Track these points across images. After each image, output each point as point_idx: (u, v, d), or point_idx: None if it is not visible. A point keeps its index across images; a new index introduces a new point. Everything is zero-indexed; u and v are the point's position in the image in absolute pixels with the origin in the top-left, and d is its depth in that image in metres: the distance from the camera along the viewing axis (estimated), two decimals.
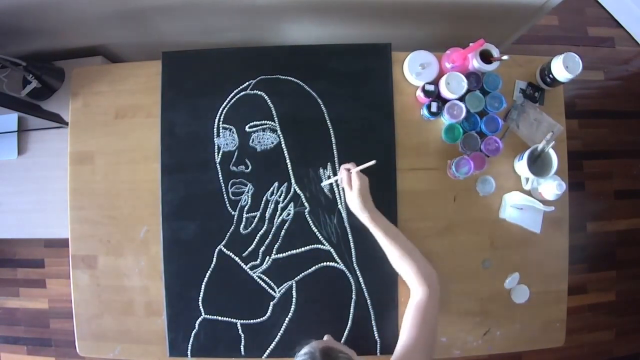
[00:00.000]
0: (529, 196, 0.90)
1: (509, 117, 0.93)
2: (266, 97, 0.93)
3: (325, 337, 0.84)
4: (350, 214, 0.89)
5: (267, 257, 0.90)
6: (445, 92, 0.89)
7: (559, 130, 0.92)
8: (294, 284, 0.90)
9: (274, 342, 0.90)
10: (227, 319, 0.90)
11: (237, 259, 0.90)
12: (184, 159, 0.93)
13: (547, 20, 1.80)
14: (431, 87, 0.89)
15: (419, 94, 0.92)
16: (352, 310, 0.90)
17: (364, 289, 0.90)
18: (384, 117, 0.93)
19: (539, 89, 0.94)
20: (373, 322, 0.90)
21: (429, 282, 0.79)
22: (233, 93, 0.94)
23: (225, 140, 0.93)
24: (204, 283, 0.91)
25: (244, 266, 0.90)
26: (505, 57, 0.85)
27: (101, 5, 1.00)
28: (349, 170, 0.83)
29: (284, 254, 0.90)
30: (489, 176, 0.92)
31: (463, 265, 0.92)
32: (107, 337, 0.93)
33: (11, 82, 1.17)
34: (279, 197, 0.91)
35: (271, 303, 0.90)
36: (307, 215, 0.91)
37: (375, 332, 0.90)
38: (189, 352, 0.90)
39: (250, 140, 0.92)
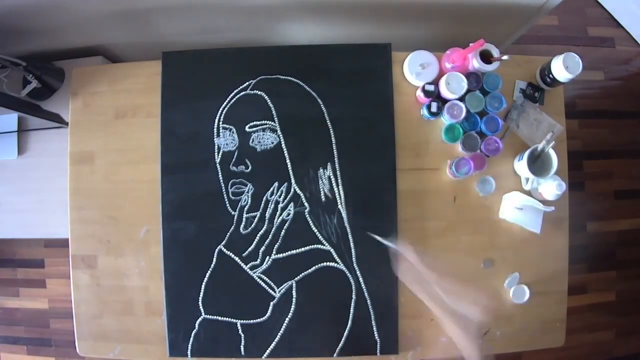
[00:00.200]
0: (529, 196, 0.90)
1: (509, 117, 0.93)
2: (266, 97, 0.93)
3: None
4: (350, 213, 0.89)
5: (267, 257, 0.90)
6: (445, 92, 0.89)
7: (559, 130, 0.92)
8: (294, 284, 0.90)
9: (274, 342, 0.90)
10: (227, 319, 0.90)
11: (237, 259, 0.90)
12: (184, 159, 0.93)
13: (547, 20, 1.79)
14: (431, 87, 0.89)
15: (419, 94, 0.92)
16: (352, 310, 0.90)
17: (364, 289, 0.90)
18: (384, 117, 0.93)
19: (539, 89, 0.94)
20: (373, 322, 0.90)
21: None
22: (233, 93, 0.94)
23: (225, 140, 0.93)
24: (204, 283, 0.91)
25: (244, 266, 0.90)
26: (505, 57, 0.85)
27: (101, 5, 1.00)
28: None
29: (284, 254, 0.90)
30: (489, 176, 0.92)
31: (463, 265, 0.92)
32: (107, 337, 0.93)
33: (11, 82, 1.17)
34: (279, 197, 0.91)
35: (271, 303, 0.90)
36: (307, 215, 0.91)
37: (375, 332, 0.90)
38: (189, 352, 0.90)
39: (250, 140, 0.92)
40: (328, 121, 0.93)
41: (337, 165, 0.92)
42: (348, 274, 0.90)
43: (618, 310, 1.73)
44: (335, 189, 0.91)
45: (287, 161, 0.92)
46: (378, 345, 0.90)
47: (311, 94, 0.94)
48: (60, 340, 1.73)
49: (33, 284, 1.74)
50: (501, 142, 0.89)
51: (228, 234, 0.91)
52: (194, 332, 0.90)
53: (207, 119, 0.93)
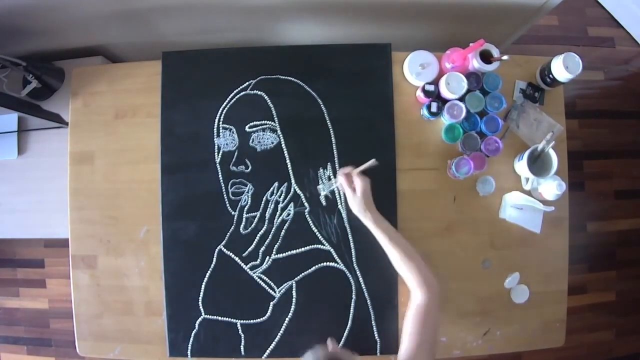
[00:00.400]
0: (529, 196, 0.90)
1: (509, 117, 0.93)
2: (266, 97, 0.93)
3: (329, 343, 0.84)
4: (350, 213, 0.89)
5: (267, 257, 0.90)
6: (445, 92, 0.89)
7: (559, 130, 0.92)
8: (294, 284, 0.90)
9: (274, 342, 0.90)
10: (227, 319, 0.90)
11: (237, 259, 0.90)
12: (184, 159, 0.93)
13: (547, 20, 1.80)
14: (431, 87, 0.89)
15: (419, 94, 0.92)
16: (352, 310, 0.90)
17: (364, 289, 0.90)
18: (384, 117, 0.93)
19: (539, 89, 0.94)
20: (373, 322, 0.90)
21: (429, 286, 0.79)
22: (233, 93, 0.94)
23: (225, 140, 0.93)
24: (204, 283, 0.91)
25: (244, 266, 0.90)
26: (505, 57, 0.85)
27: (101, 5, 1.00)
28: (347, 174, 0.83)
29: (284, 254, 0.90)
30: (489, 176, 0.92)
31: (463, 265, 0.92)
32: (107, 337, 0.93)
33: (11, 82, 1.17)
34: (279, 197, 0.91)
35: (271, 303, 0.90)
36: (307, 215, 0.91)
37: (375, 332, 0.90)
38: (189, 352, 0.90)
39: (250, 140, 0.92)
40: (328, 121, 0.93)
41: (337, 165, 0.92)
42: (348, 274, 0.90)
43: (618, 310, 1.73)
44: (336, 189, 0.91)
45: (287, 161, 0.92)
46: (378, 345, 0.90)
47: (311, 94, 0.94)
48: (60, 340, 1.73)
49: (33, 284, 1.74)
50: (501, 142, 0.89)
51: (228, 234, 0.91)
52: (194, 332, 0.90)
53: (207, 119, 0.93)
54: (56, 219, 1.13)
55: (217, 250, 0.91)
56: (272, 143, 0.92)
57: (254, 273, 0.90)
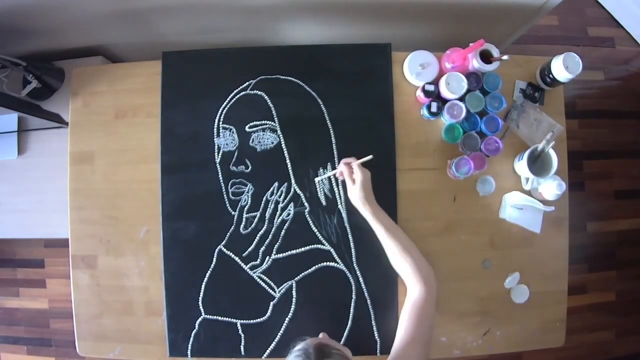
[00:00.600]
0: (529, 196, 0.90)
1: (509, 117, 0.93)
2: (266, 97, 0.93)
3: (321, 335, 0.84)
4: (350, 213, 0.89)
5: (267, 257, 0.90)
6: (445, 92, 0.89)
7: (559, 130, 0.92)
8: (294, 284, 0.90)
9: (274, 342, 0.90)
10: (227, 319, 0.90)
11: (237, 259, 0.90)
12: (184, 159, 0.93)
13: (547, 20, 1.80)
14: (431, 87, 0.89)
15: (419, 94, 0.92)
16: (352, 310, 0.90)
17: (364, 289, 0.90)
18: (384, 117, 0.93)
19: (539, 89, 0.94)
20: (373, 322, 0.90)
21: (426, 280, 0.79)
22: (233, 93, 0.94)
23: (225, 140, 0.93)
24: (204, 283, 0.91)
25: (244, 266, 0.90)
26: (505, 57, 0.85)
27: (101, 5, 1.00)
28: (348, 164, 0.83)
29: (284, 254, 0.90)
30: (489, 176, 0.92)
31: (463, 265, 0.92)
32: (107, 337, 0.93)
33: (11, 82, 1.17)
34: (279, 197, 0.91)
35: (271, 303, 0.90)
36: (307, 215, 0.91)
37: (375, 332, 0.90)
38: (189, 352, 0.90)
39: (250, 140, 0.92)
40: (328, 121, 0.93)
41: (337, 165, 0.92)
42: (348, 274, 0.90)
43: (618, 310, 1.73)
44: (335, 189, 0.91)
45: (287, 161, 0.92)
46: (378, 345, 0.90)
47: (311, 94, 0.94)
48: (60, 340, 1.73)
49: (33, 284, 1.74)
50: (501, 142, 0.89)
51: (228, 233, 0.91)
52: (194, 332, 0.90)
53: (207, 119, 0.93)
54: (56, 219, 1.13)
55: (217, 250, 0.91)
56: (272, 143, 0.92)
57: (254, 273, 0.90)
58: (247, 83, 0.94)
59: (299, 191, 0.91)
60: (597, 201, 1.75)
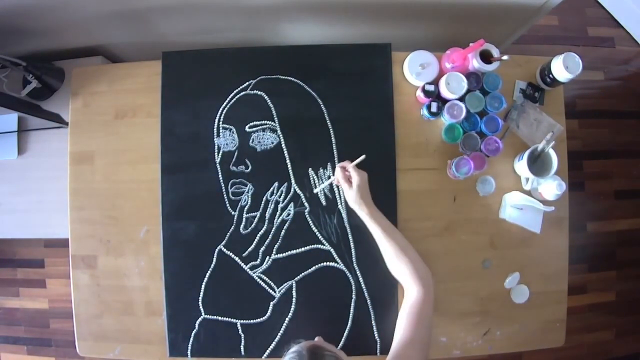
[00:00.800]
0: (529, 196, 0.90)
1: (509, 117, 0.93)
2: (266, 97, 0.93)
3: (317, 339, 0.84)
4: (350, 213, 0.89)
5: (267, 257, 0.90)
6: (445, 92, 0.89)
7: (559, 130, 0.92)
8: (294, 284, 0.90)
9: (274, 342, 0.90)
10: (227, 319, 0.90)
11: (237, 259, 0.90)
12: (184, 159, 0.93)
13: (547, 20, 1.80)
14: (431, 87, 0.89)
15: (419, 94, 0.92)
16: (352, 310, 0.90)
17: (364, 289, 0.90)
18: (384, 117, 0.93)
19: (539, 89, 0.94)
20: (373, 322, 0.90)
21: (424, 282, 0.79)
22: (233, 93, 0.94)
23: (225, 140, 0.93)
24: (204, 283, 0.91)
25: (244, 266, 0.90)
26: (505, 57, 0.85)
27: (101, 5, 1.00)
28: (343, 167, 0.83)
29: (284, 254, 0.90)
30: (489, 176, 0.92)
31: (463, 265, 0.92)
32: (107, 337, 0.93)
33: (11, 82, 1.17)
34: (279, 197, 0.91)
35: (271, 303, 0.90)
36: (307, 215, 0.91)
37: (375, 332, 0.90)
38: (189, 352, 0.90)
39: (250, 140, 0.92)
40: (328, 121, 0.93)
41: (337, 164, 0.91)
42: (348, 274, 0.90)
43: (618, 310, 1.73)
44: (335, 189, 0.91)
45: (287, 161, 0.92)
46: (378, 345, 0.90)
47: (311, 94, 0.94)
48: (60, 340, 1.73)
49: (33, 284, 1.74)
50: (501, 142, 0.89)
51: (228, 234, 0.91)
52: (194, 332, 0.90)
53: (207, 119, 0.93)
54: (56, 219, 1.13)
55: (217, 250, 0.91)
56: (272, 143, 0.92)
57: (254, 273, 0.90)
58: (247, 83, 0.94)
59: (299, 191, 0.91)
60: (597, 201, 1.75)
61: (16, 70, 1.09)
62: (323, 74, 0.94)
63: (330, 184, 0.91)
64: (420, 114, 0.94)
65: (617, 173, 1.76)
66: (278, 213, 0.91)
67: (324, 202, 0.91)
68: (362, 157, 0.82)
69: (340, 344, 0.89)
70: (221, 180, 0.92)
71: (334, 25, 1.16)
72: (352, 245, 0.90)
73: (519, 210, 0.91)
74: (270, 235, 0.91)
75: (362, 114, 0.93)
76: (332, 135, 0.93)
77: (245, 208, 0.91)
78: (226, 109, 0.94)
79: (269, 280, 0.90)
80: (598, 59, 1.80)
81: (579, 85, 1.78)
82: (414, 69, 0.92)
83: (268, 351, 0.90)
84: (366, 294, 0.90)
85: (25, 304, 1.75)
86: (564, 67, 0.85)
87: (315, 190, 0.91)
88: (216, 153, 0.93)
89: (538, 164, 0.88)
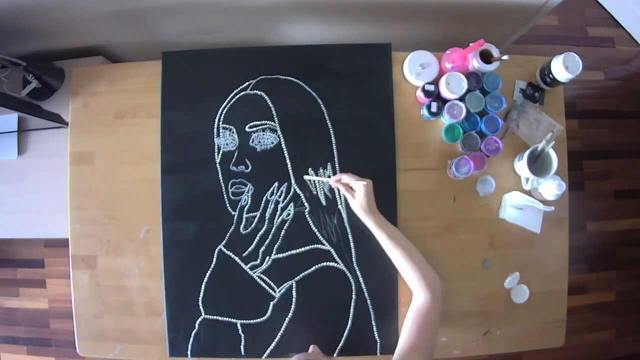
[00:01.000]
0: (529, 196, 0.90)
1: (509, 117, 0.93)
2: (266, 97, 0.93)
3: (311, 349, 0.84)
4: (350, 213, 0.89)
5: (267, 257, 0.90)
6: (445, 92, 0.89)
7: (559, 130, 0.92)
8: (294, 284, 0.90)
9: (274, 342, 0.90)
10: (227, 319, 0.90)
11: (237, 259, 0.90)
12: (184, 159, 0.93)
13: (547, 20, 1.80)
14: (431, 87, 0.89)
15: (419, 94, 0.92)
16: (352, 310, 0.90)
17: (364, 289, 0.90)
18: (384, 117, 0.93)
19: (539, 89, 0.94)
20: (373, 322, 0.90)
21: (432, 288, 0.79)
22: (233, 93, 0.94)
23: (225, 140, 0.93)
24: (204, 283, 0.91)
25: (244, 266, 0.90)
26: (505, 57, 0.85)
27: (101, 5, 1.00)
28: (339, 180, 0.84)
29: (284, 254, 0.90)
30: (489, 176, 0.92)
31: (463, 265, 0.92)
32: (107, 337, 0.93)
33: (11, 82, 1.17)
34: (279, 197, 0.91)
35: (271, 303, 0.90)
36: (307, 215, 0.91)
37: (376, 332, 0.90)
38: (189, 352, 0.90)
39: (250, 140, 0.92)
40: (328, 121, 0.93)
41: (337, 165, 0.92)
42: (348, 274, 0.90)
43: (618, 310, 1.73)
44: (335, 189, 0.91)
45: (287, 161, 0.92)
46: (378, 345, 0.90)
47: (311, 94, 0.94)
48: (60, 340, 1.73)
49: (33, 284, 1.74)
50: (501, 142, 0.89)
51: (228, 234, 0.91)
52: (194, 332, 0.90)
53: (207, 119, 0.93)
54: (56, 219, 1.13)
55: (217, 250, 0.91)
56: (272, 143, 0.92)
57: (254, 273, 0.90)
58: (247, 83, 0.94)
59: (299, 191, 0.91)
60: (597, 201, 1.75)
61: (16, 70, 1.09)
62: (323, 74, 0.94)
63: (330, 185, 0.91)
64: (420, 114, 0.94)
65: (617, 173, 1.76)
66: (278, 213, 0.91)
67: (324, 202, 0.91)
68: (364, 182, 0.82)
69: (340, 344, 0.89)
70: (221, 180, 0.92)
71: (334, 25, 1.16)
72: (352, 245, 0.90)
73: (519, 210, 0.91)
74: (270, 235, 0.91)
75: (362, 114, 0.93)
76: (332, 135, 0.93)
77: (245, 208, 0.91)
78: (226, 109, 0.94)
79: (269, 280, 0.90)
80: (598, 59, 1.80)
81: (579, 85, 1.78)
82: (414, 69, 0.92)
83: (268, 351, 0.90)
84: (366, 294, 0.90)
85: (25, 304, 1.75)
86: (564, 67, 0.85)
87: (306, 177, 0.90)
88: (216, 153, 0.93)
89: (538, 164, 0.88)
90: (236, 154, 0.92)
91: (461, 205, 0.93)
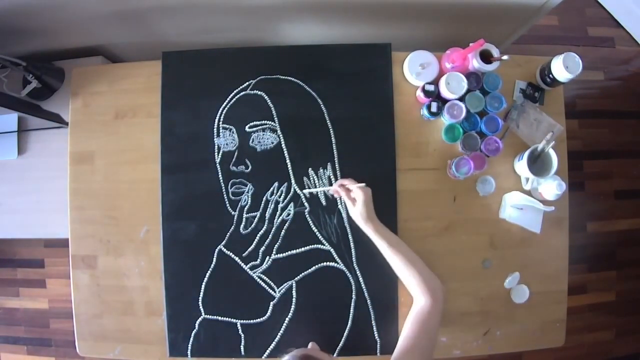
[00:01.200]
0: (529, 196, 0.90)
1: (509, 117, 0.93)
2: (266, 97, 0.93)
3: (310, 345, 0.84)
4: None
5: (267, 257, 0.90)
6: (445, 92, 0.89)
7: (559, 130, 0.92)
8: (294, 284, 0.90)
9: (274, 342, 0.90)
10: (227, 319, 0.90)
11: (237, 259, 0.90)
12: (184, 159, 0.93)
13: (547, 20, 1.80)
14: (431, 87, 0.89)
15: (419, 94, 0.92)
16: (352, 310, 0.90)
17: (364, 289, 0.90)
18: (384, 117, 0.93)
19: (539, 89, 0.94)
20: (373, 322, 0.90)
21: (432, 293, 0.79)
22: (233, 93, 0.94)
23: (225, 140, 0.93)
24: (204, 283, 0.91)
25: (244, 266, 0.90)
26: (505, 57, 0.85)
27: (101, 5, 1.00)
28: (342, 185, 0.84)
29: (284, 254, 0.90)
30: (489, 176, 0.92)
31: (463, 265, 0.92)
32: (107, 337, 0.93)
33: (11, 82, 1.17)
34: (279, 197, 0.91)
35: (271, 303, 0.90)
36: (307, 215, 0.91)
37: (376, 332, 0.90)
38: (189, 352, 0.90)
39: (250, 140, 0.92)
40: (328, 121, 0.93)
41: (337, 165, 0.92)
42: (348, 274, 0.90)
43: (618, 310, 1.73)
44: (338, 197, 0.91)
45: (287, 161, 0.92)
46: (378, 345, 0.90)
47: (311, 94, 0.94)
48: (60, 340, 1.73)
49: (33, 284, 1.74)
50: (501, 142, 0.89)
51: (228, 234, 0.91)
52: (194, 332, 0.90)
53: (207, 119, 0.93)
54: (56, 219, 1.13)
55: (217, 250, 0.91)
56: (272, 143, 0.92)
57: (254, 273, 0.90)
58: (247, 83, 0.94)
59: (299, 191, 0.91)
60: (597, 201, 1.75)
61: (16, 70, 1.09)
62: (323, 74, 0.94)
63: (331, 183, 0.91)
64: (420, 114, 0.94)
65: (617, 173, 1.76)
66: (278, 213, 0.91)
67: (324, 202, 0.91)
68: (363, 184, 0.82)
69: (340, 344, 0.89)
70: (221, 180, 0.92)
71: (334, 25, 1.16)
72: (352, 245, 0.90)
73: (519, 210, 0.91)
74: (270, 235, 0.91)
75: (362, 114, 0.93)
76: (332, 135, 0.93)
77: (245, 208, 0.91)
78: (226, 109, 0.94)
79: (269, 280, 0.90)
80: (598, 59, 1.80)
81: (579, 85, 1.78)
82: (414, 69, 0.92)
83: (268, 351, 0.90)
84: (366, 294, 0.90)
85: (25, 304, 1.75)
86: (564, 67, 0.85)
87: (306, 191, 0.90)
88: (216, 153, 0.93)
89: (538, 164, 0.88)
90: (236, 154, 0.92)
91: (461, 205, 0.93)
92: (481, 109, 0.91)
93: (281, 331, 0.90)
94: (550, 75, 0.89)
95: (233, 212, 0.91)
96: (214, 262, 0.91)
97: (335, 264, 0.90)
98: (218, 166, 0.92)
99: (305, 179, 0.91)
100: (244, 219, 0.91)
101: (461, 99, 0.89)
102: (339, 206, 0.91)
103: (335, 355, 0.89)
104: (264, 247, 0.90)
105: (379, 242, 0.82)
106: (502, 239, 0.93)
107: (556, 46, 1.78)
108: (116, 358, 0.93)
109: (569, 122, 0.93)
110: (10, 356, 1.74)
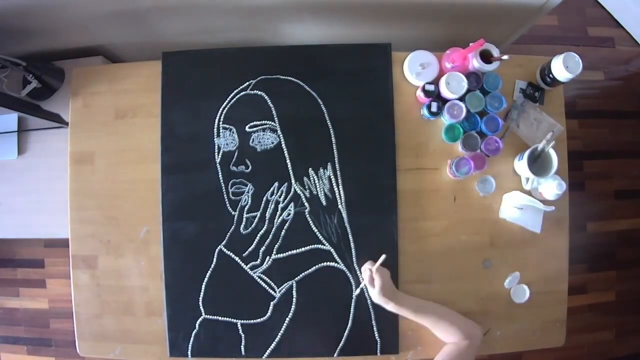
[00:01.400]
0: (529, 196, 0.90)
1: (509, 117, 0.93)
2: (266, 97, 0.93)
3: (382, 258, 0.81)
4: (350, 213, 0.89)
5: (268, 257, 0.90)
6: (445, 92, 0.89)
7: (559, 130, 0.92)
8: (294, 284, 0.90)
9: (274, 342, 0.90)
10: (227, 319, 0.90)
11: (237, 259, 0.90)
12: (184, 159, 0.93)
13: (547, 20, 1.80)
14: (431, 87, 0.90)
15: (419, 94, 0.92)
16: (352, 310, 0.90)
17: (364, 289, 0.90)
18: (384, 117, 0.93)
19: (539, 88, 0.94)
20: (373, 322, 0.90)
21: (469, 336, 0.81)
22: (233, 93, 0.94)
23: (225, 140, 0.93)
24: (204, 283, 0.91)
25: (244, 266, 0.90)
26: (505, 57, 0.85)
27: (101, 5, 1.00)
28: (368, 269, 0.82)
29: (284, 254, 0.91)
30: (489, 176, 0.92)
31: (463, 265, 0.92)
32: (107, 337, 0.93)
33: (11, 82, 1.17)
34: (279, 197, 0.91)
35: (271, 303, 0.90)
36: (307, 215, 0.91)
37: (376, 332, 0.90)
38: (189, 352, 0.90)
39: (250, 140, 0.92)
40: (328, 121, 0.93)
41: (337, 165, 0.92)
42: (348, 274, 0.90)
43: (618, 310, 1.73)
44: (336, 189, 0.91)
45: (287, 161, 0.92)
46: (378, 345, 0.90)
47: (311, 94, 0.94)
48: (60, 340, 1.73)
49: (33, 284, 1.74)
50: (501, 142, 0.89)
51: (228, 234, 0.91)
52: (194, 332, 0.91)
53: (207, 119, 0.93)
54: (56, 219, 1.12)
55: (217, 250, 0.91)
56: (272, 143, 0.92)
57: (254, 273, 0.90)
58: (247, 83, 0.94)
59: (299, 191, 0.91)
60: (597, 201, 1.75)
61: (16, 70, 1.09)
62: (323, 74, 0.94)
63: (331, 182, 0.91)
64: (420, 114, 0.94)
65: (617, 173, 1.76)
66: (278, 213, 0.91)
67: (324, 202, 0.91)
68: (383, 256, 0.79)
69: (340, 344, 0.89)
70: (221, 180, 0.92)
71: (334, 25, 1.16)
72: (352, 245, 0.90)
73: (519, 210, 0.91)
74: (270, 235, 0.91)
75: (362, 114, 0.93)
76: (332, 135, 0.93)
77: (246, 208, 0.91)
78: (226, 109, 0.94)
79: (269, 280, 0.90)
80: (598, 59, 1.80)
81: (579, 85, 1.78)
82: (414, 69, 0.92)
83: (268, 351, 0.90)
84: (366, 294, 0.90)
85: (25, 304, 1.75)
86: (564, 67, 0.85)
87: (355, 293, 0.89)
88: (216, 153, 0.93)
89: (538, 164, 0.88)
90: (236, 154, 0.92)
91: (461, 205, 0.93)
92: (481, 108, 0.91)
93: (281, 331, 0.90)
94: (551, 75, 0.89)
95: (233, 212, 0.91)
96: (214, 262, 0.91)
97: (336, 264, 0.90)
98: (218, 166, 0.92)
99: (305, 178, 0.91)
100: (244, 219, 0.91)
101: (461, 98, 0.89)
102: (339, 206, 0.91)
103: (335, 355, 0.89)
104: (264, 247, 0.90)
105: (405, 313, 0.82)
106: (502, 239, 0.93)
107: (556, 46, 1.78)
108: (116, 358, 0.93)
109: (569, 122, 0.93)
110: (10, 356, 1.74)
